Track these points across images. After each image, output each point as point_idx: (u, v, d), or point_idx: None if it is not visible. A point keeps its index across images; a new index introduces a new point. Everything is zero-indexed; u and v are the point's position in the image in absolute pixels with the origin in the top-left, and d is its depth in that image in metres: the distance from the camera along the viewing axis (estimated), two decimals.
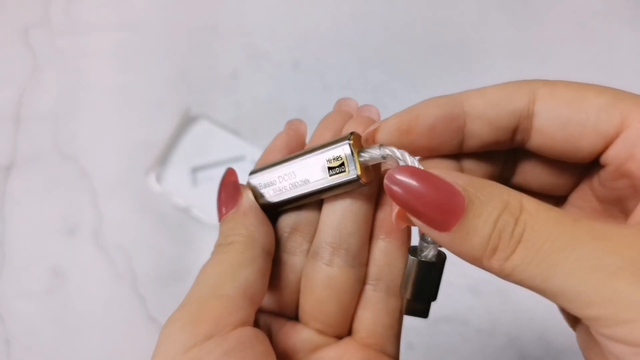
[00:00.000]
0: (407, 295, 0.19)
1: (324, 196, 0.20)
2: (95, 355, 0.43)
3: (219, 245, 0.21)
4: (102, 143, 0.50)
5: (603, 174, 0.18)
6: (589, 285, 0.14)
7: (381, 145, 0.18)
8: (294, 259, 0.21)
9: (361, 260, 0.21)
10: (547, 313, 0.41)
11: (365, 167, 0.19)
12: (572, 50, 0.54)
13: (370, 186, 0.20)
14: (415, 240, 0.20)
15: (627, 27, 0.55)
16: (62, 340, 0.43)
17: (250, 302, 0.19)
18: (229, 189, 0.22)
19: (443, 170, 0.16)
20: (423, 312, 0.20)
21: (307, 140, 0.23)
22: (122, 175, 0.48)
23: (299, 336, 0.21)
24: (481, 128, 0.19)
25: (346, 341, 0.21)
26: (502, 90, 0.18)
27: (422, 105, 0.19)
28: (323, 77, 0.53)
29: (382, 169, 0.21)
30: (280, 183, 0.21)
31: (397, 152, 0.18)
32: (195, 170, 0.49)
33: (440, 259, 0.19)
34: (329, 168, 0.19)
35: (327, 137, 0.21)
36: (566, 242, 0.14)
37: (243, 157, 0.49)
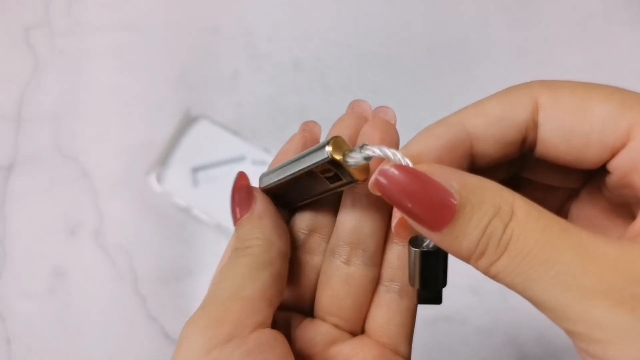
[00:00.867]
0: (416, 285, 0.20)
1: (330, 194, 0.21)
2: (95, 355, 0.43)
3: (236, 249, 0.21)
4: (102, 143, 0.50)
5: (609, 179, 0.18)
6: (564, 302, 0.14)
7: (362, 147, 0.18)
8: (313, 259, 0.22)
9: (377, 261, 0.21)
10: None
11: (358, 168, 0.19)
12: (572, 51, 0.55)
13: None
14: None
15: (626, 27, 0.55)
16: (63, 340, 0.43)
17: (269, 303, 0.19)
18: (242, 193, 0.22)
19: (438, 167, 0.16)
20: (436, 299, 0.20)
21: None
22: (122, 175, 0.48)
23: (317, 330, 0.22)
24: (488, 148, 0.18)
25: (362, 338, 0.22)
26: (502, 103, 0.18)
27: (421, 140, 0.18)
28: (323, 77, 0.53)
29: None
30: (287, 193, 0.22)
31: (380, 151, 0.18)
32: (195, 170, 0.49)
33: None
34: (326, 178, 0.20)
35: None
36: (548, 255, 0.14)
37: (243, 157, 0.49)
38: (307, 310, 0.23)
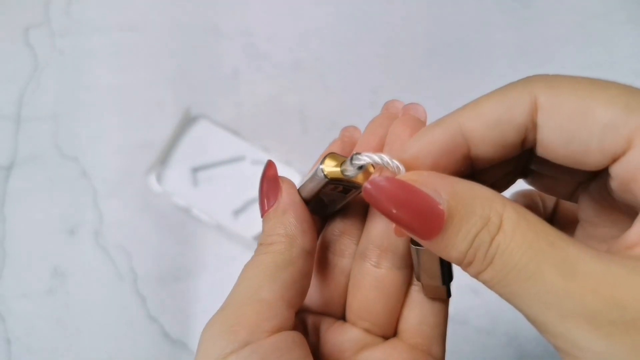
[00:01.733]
0: (422, 281, 0.20)
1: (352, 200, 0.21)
2: (95, 355, 0.43)
3: (260, 245, 0.21)
4: (102, 143, 0.50)
5: (611, 181, 0.17)
6: (544, 319, 0.14)
7: (353, 157, 0.18)
8: (342, 261, 0.22)
9: (407, 263, 0.21)
10: None
11: (361, 174, 0.19)
12: (572, 51, 0.54)
13: None
14: None
15: (626, 27, 0.55)
16: (63, 340, 0.43)
17: (288, 304, 0.19)
18: (270, 184, 0.21)
19: (427, 176, 0.16)
20: (442, 294, 0.21)
21: None
22: (122, 175, 0.48)
23: (347, 335, 0.21)
24: (487, 150, 0.18)
25: (393, 341, 0.21)
26: (499, 103, 0.17)
27: (417, 143, 0.18)
28: (323, 77, 0.53)
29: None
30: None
31: (370, 158, 0.18)
32: (195, 170, 0.49)
33: None
34: (339, 192, 0.20)
35: (374, 143, 0.21)
36: (532, 272, 0.14)
37: (243, 157, 0.49)
38: (338, 313, 0.22)
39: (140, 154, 0.49)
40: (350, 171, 0.19)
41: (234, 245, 0.46)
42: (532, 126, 0.17)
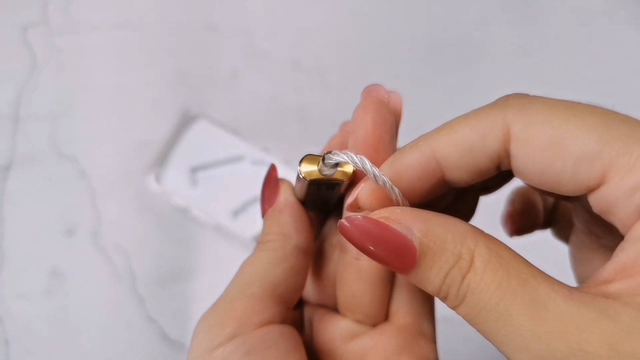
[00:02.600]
0: None
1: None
2: (94, 356, 0.43)
3: (258, 243, 0.21)
4: (101, 143, 0.50)
5: (590, 206, 0.17)
6: (515, 357, 0.15)
7: (325, 157, 0.19)
8: (336, 254, 0.22)
9: None
10: None
11: (340, 170, 0.20)
12: (573, 50, 0.54)
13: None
14: None
15: (628, 26, 0.55)
16: (61, 341, 0.43)
17: (279, 299, 0.19)
18: (271, 185, 0.22)
19: (400, 213, 0.16)
20: None
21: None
22: (121, 175, 0.48)
23: (337, 326, 0.22)
24: (461, 175, 0.18)
25: (381, 327, 0.21)
26: (473, 130, 0.17)
27: (392, 167, 0.18)
28: (323, 76, 0.53)
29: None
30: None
31: (339, 157, 0.18)
32: (194, 170, 0.48)
33: None
34: (326, 189, 0.20)
35: (345, 139, 0.22)
36: (500, 313, 0.14)
37: (242, 157, 0.49)
38: (334, 305, 0.23)
39: (139, 154, 0.49)
40: (327, 170, 0.19)
41: (233, 245, 0.46)
42: (505, 154, 0.17)
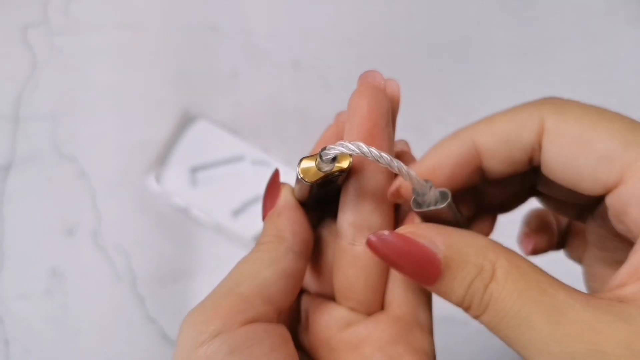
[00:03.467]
0: None
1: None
2: (94, 356, 0.43)
3: (256, 244, 0.21)
4: (101, 143, 0.50)
5: (608, 210, 0.18)
6: None
7: (321, 154, 0.19)
8: (334, 241, 0.22)
9: None
10: None
11: (339, 162, 0.19)
12: (574, 50, 0.54)
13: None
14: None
15: (628, 26, 0.55)
16: (61, 341, 0.43)
17: (267, 300, 0.19)
18: (273, 189, 0.22)
19: (425, 229, 0.17)
20: None
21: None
22: (121, 175, 0.48)
23: (332, 314, 0.22)
24: (496, 165, 0.19)
25: (376, 316, 0.21)
26: (511, 122, 0.18)
27: (434, 156, 0.19)
28: (323, 76, 0.53)
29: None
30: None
31: (335, 149, 0.18)
32: (194, 170, 0.48)
33: (446, 197, 0.19)
34: (329, 183, 0.20)
35: (340, 130, 0.22)
36: (522, 319, 0.15)
37: (242, 157, 0.49)
38: (331, 293, 0.23)
39: (139, 154, 0.49)
40: (326, 166, 0.19)
41: (233, 245, 0.46)
42: (538, 147, 0.18)
